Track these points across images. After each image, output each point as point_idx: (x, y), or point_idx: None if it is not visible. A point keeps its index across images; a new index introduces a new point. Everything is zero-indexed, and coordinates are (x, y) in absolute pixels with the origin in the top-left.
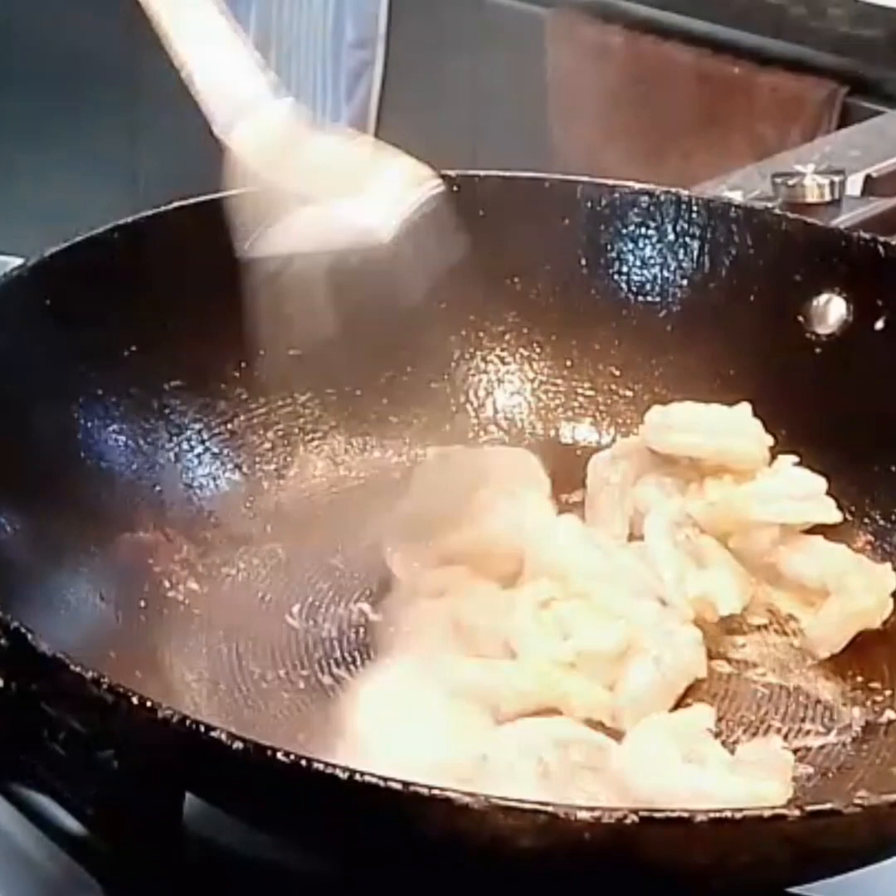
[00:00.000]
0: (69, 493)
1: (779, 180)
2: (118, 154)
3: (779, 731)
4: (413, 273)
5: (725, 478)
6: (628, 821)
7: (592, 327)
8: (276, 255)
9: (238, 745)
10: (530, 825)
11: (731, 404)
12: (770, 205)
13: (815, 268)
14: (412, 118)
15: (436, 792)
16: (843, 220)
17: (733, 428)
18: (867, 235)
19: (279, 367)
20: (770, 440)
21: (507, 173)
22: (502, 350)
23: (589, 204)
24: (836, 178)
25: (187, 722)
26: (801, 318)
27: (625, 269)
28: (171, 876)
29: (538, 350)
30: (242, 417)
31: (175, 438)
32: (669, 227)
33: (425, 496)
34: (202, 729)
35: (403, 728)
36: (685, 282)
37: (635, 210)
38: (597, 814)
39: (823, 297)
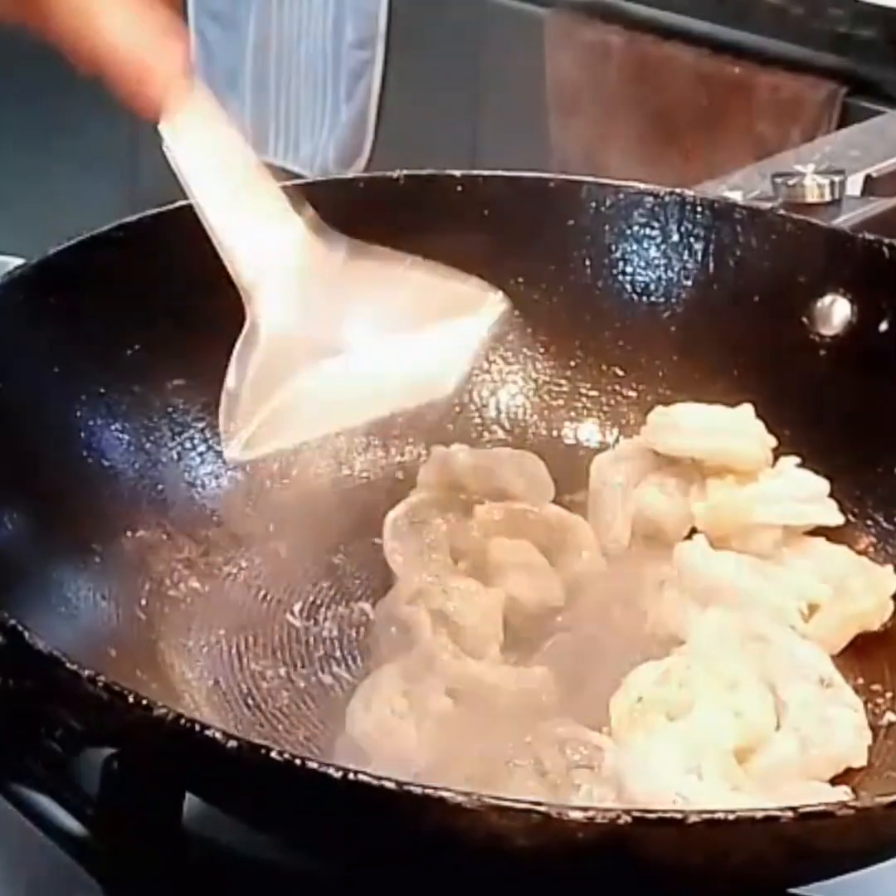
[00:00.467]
0: (71, 491)
1: (779, 180)
2: (118, 154)
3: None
4: None
5: (728, 478)
6: (621, 821)
7: (596, 328)
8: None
9: (232, 744)
10: (524, 825)
11: (734, 405)
12: (770, 205)
13: (820, 269)
14: (412, 118)
15: (429, 792)
16: (843, 220)
17: (736, 429)
18: (871, 237)
19: None
20: (772, 441)
21: (512, 173)
22: (506, 350)
23: (593, 204)
24: (836, 178)
25: (183, 720)
26: (805, 320)
27: (629, 269)
28: (171, 876)
29: (541, 350)
30: None
31: (177, 437)
32: (674, 228)
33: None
34: (197, 728)
35: (403, 726)
36: (689, 282)
37: (639, 211)
38: (590, 814)
39: (827, 299)
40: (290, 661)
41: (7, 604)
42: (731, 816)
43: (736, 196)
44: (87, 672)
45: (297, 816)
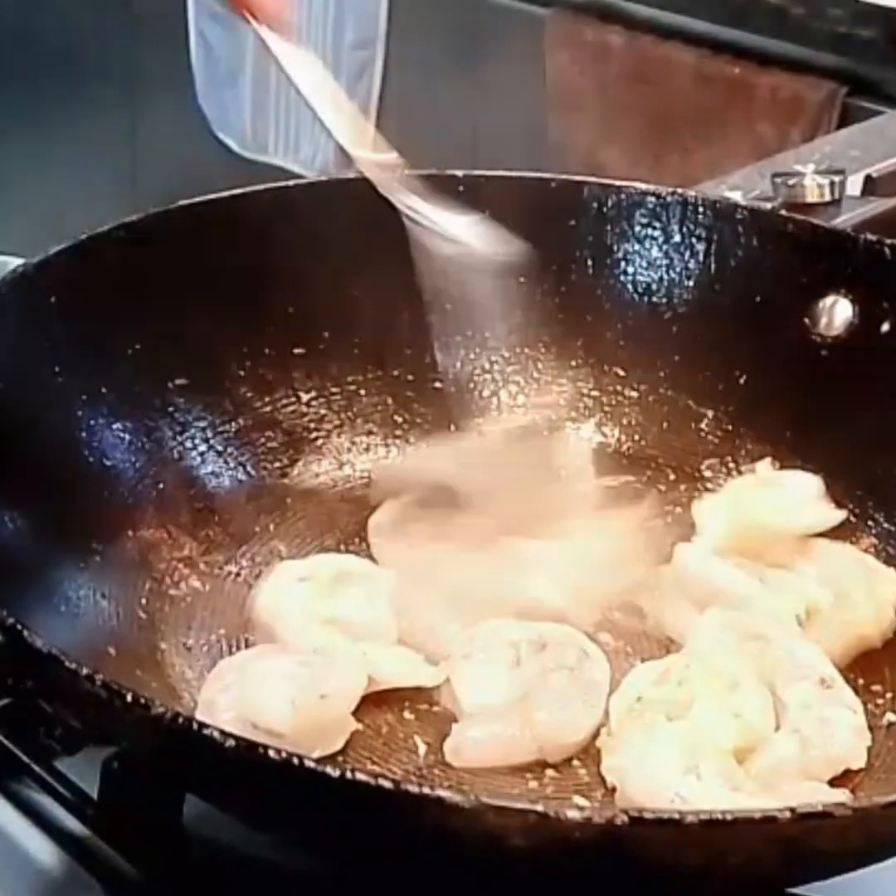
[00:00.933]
0: (72, 490)
1: (779, 180)
2: (118, 154)
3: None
4: None
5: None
6: (618, 821)
7: (598, 328)
8: None
9: (230, 742)
10: (521, 824)
11: (734, 406)
12: (770, 205)
13: (821, 270)
14: (412, 118)
15: (426, 791)
16: (843, 221)
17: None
18: (874, 238)
19: (284, 366)
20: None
21: (513, 173)
22: (507, 350)
23: (595, 204)
24: (836, 178)
25: (180, 719)
26: (806, 320)
27: (630, 269)
28: (171, 876)
29: (543, 350)
30: (246, 416)
31: (179, 436)
32: (675, 229)
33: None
34: (194, 726)
35: None
36: (691, 283)
37: (641, 211)
38: (587, 814)
39: (829, 300)
40: None
41: (7, 603)
42: (728, 817)
43: (736, 196)
44: (86, 671)
45: (295, 815)
